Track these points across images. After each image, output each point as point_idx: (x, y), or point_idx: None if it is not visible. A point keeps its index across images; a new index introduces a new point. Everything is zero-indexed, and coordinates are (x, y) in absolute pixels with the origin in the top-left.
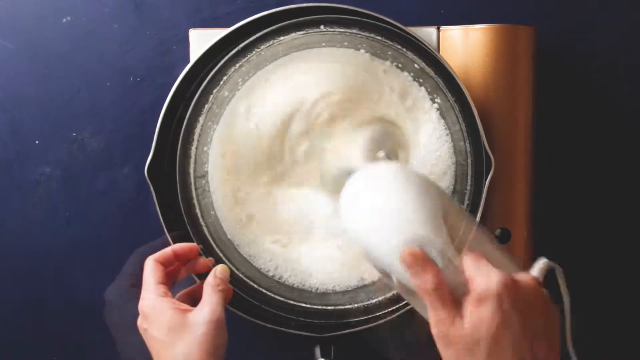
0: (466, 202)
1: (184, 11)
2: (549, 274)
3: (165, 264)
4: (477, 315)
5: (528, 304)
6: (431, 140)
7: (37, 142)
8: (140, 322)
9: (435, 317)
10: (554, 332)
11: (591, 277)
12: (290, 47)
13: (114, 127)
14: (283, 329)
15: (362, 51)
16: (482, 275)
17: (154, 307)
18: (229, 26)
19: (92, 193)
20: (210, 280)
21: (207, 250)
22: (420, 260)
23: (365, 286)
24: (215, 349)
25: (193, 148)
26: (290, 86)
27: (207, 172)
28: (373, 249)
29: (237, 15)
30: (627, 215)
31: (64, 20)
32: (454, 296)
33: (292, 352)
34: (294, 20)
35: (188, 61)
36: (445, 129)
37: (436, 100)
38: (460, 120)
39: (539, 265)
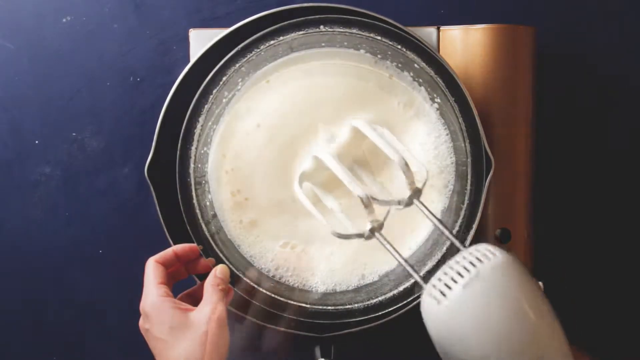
0: (466, 202)
1: (184, 11)
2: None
3: (166, 264)
4: None
5: None
6: (429, 139)
7: (37, 142)
8: (141, 322)
9: None
10: None
11: (590, 276)
12: (291, 47)
13: (114, 127)
14: (283, 329)
15: (362, 51)
16: None
17: (155, 307)
18: (229, 26)
19: (92, 193)
20: (210, 280)
21: (207, 250)
22: None
23: (365, 286)
24: (218, 347)
25: (193, 148)
26: (292, 87)
27: (207, 172)
28: None
29: (237, 15)
30: (627, 214)
31: (64, 20)
32: None
33: (292, 352)
34: (294, 20)
35: (188, 61)
36: (445, 128)
37: (436, 100)
38: (460, 120)
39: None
